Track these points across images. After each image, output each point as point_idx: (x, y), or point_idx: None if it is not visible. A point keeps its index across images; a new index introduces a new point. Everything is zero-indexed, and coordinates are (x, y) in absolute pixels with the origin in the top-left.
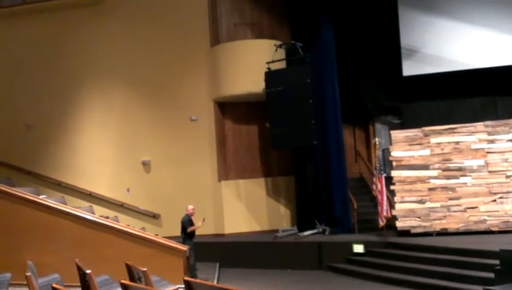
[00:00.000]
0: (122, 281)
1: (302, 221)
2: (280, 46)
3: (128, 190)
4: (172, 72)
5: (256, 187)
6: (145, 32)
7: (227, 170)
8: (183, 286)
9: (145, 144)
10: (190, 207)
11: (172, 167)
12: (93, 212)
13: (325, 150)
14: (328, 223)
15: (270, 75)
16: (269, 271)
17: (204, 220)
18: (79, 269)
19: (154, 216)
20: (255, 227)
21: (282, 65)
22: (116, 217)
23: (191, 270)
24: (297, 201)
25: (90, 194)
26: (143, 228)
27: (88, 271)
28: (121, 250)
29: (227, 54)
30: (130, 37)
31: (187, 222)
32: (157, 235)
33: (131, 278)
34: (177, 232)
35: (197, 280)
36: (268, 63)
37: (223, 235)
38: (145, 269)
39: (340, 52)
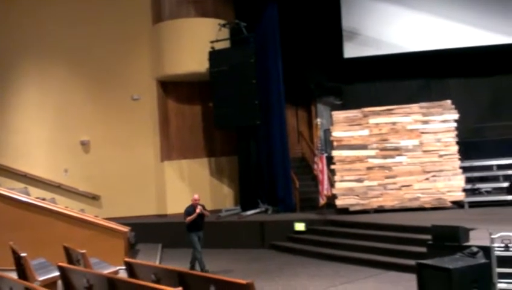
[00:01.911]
0: (60, 263)
1: (245, 201)
2: (224, 25)
3: (65, 171)
4: (113, 50)
5: (199, 167)
6: (85, 10)
7: (170, 150)
8: (124, 267)
9: (84, 124)
10: (195, 196)
11: (113, 147)
12: (28, 194)
13: (268, 130)
14: (271, 203)
15: (213, 55)
16: (213, 251)
17: (204, 208)
18: (14, 252)
19: (94, 197)
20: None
21: (226, 45)
22: (53, 198)
23: (192, 264)
24: (240, 181)
25: (25, 175)
26: (82, 210)
27: (23, 254)
28: (59, 233)
29: (169, 33)
30: (70, 14)
31: (186, 213)
32: (97, 217)
33: (70, 260)
34: (119, 213)
35: (138, 261)
36: (212, 42)
37: (165, 215)
38: (84, 251)
39: (284, 33)
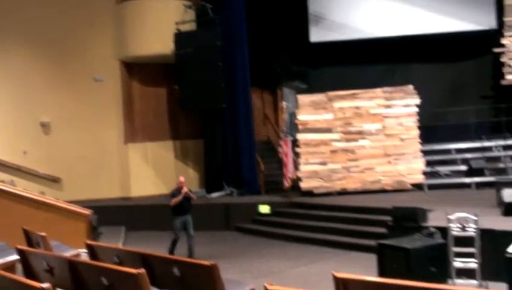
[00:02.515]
0: (19, 246)
1: (210, 183)
2: (190, 7)
3: (25, 153)
4: (75, 30)
5: (164, 150)
6: None
7: (134, 132)
8: (85, 250)
9: (45, 105)
10: (180, 178)
11: (75, 129)
12: None
13: (234, 113)
14: (236, 185)
15: (179, 37)
16: None
17: (190, 191)
18: None
19: (55, 180)
20: (163, 190)
21: (191, 27)
22: (12, 181)
23: (171, 249)
24: (205, 164)
25: None
26: (42, 193)
27: None
28: (19, 216)
29: (134, 13)
30: None
31: (171, 196)
32: (58, 199)
33: (30, 244)
34: (81, 196)
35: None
36: (177, 24)
37: (129, 198)
38: (44, 234)
39: (250, 16)
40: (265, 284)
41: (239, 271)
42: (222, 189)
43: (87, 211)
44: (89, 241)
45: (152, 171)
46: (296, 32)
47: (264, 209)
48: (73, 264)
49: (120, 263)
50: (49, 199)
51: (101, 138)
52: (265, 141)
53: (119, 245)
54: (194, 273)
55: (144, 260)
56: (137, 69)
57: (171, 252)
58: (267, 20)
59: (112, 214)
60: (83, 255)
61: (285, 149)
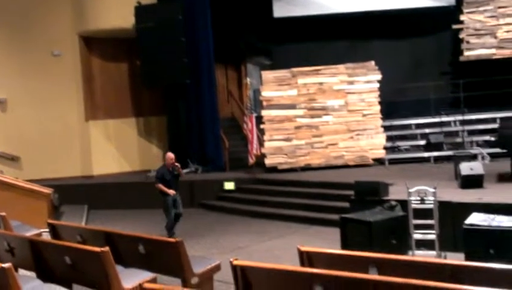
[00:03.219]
0: None
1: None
2: None
3: None
4: (31, 3)
5: (126, 127)
6: None
7: (95, 109)
8: (47, 229)
9: (0, 81)
10: (170, 154)
11: (33, 106)
12: None
13: (197, 89)
14: (201, 162)
15: (140, 10)
16: (141, 211)
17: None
18: None
19: (13, 159)
20: (126, 167)
21: (153, 0)
22: None
23: (168, 231)
24: (169, 141)
25: None
26: (0, 171)
27: None
28: None
29: None
30: None
31: (159, 177)
32: (17, 178)
33: None
34: (41, 175)
35: (62, 222)
36: None
37: (91, 176)
38: (3, 213)
39: None
40: (231, 260)
41: (205, 247)
42: (187, 166)
43: (48, 190)
44: (50, 221)
45: (114, 148)
46: (260, 7)
47: (229, 185)
48: (34, 244)
49: (83, 242)
50: (8, 178)
51: (60, 115)
52: (230, 118)
53: (82, 224)
54: (160, 251)
55: (108, 238)
56: (97, 44)
57: (171, 233)
58: None
59: (73, 193)
60: (45, 234)
61: (249, 126)
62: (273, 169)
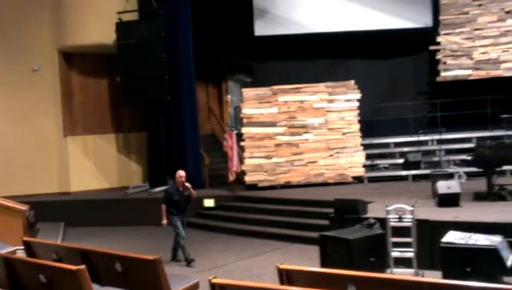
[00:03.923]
0: None
1: (154, 177)
2: None
3: None
4: (9, 16)
5: (105, 143)
6: None
7: (73, 125)
8: (22, 247)
9: None
10: (181, 173)
11: (10, 121)
12: None
13: (178, 106)
14: None
15: (121, 26)
16: (120, 228)
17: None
18: None
19: None
20: (104, 184)
21: (134, 16)
22: None
23: (174, 253)
24: (149, 157)
25: None
26: None
27: None
28: None
29: (73, 0)
30: None
31: (166, 197)
32: None
33: None
34: (17, 191)
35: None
36: (119, 13)
37: (68, 193)
38: None
39: (195, 8)
40: (209, 278)
41: (183, 265)
42: (166, 183)
43: (23, 207)
44: (25, 238)
45: (93, 165)
46: (241, 25)
47: (209, 203)
48: (9, 262)
49: (59, 260)
50: None
51: (38, 131)
52: (210, 135)
53: (58, 242)
54: (137, 269)
55: (84, 256)
56: (77, 59)
57: (175, 255)
58: (212, 12)
59: (50, 209)
60: (20, 252)
61: (229, 143)
62: (253, 186)
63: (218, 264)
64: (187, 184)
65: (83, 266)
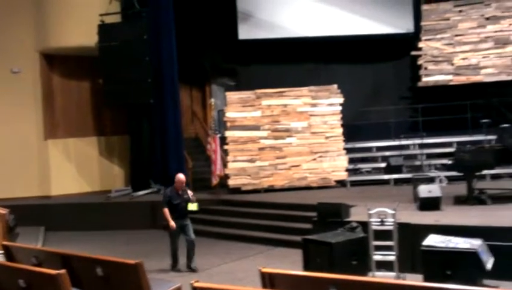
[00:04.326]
0: None
1: (136, 181)
2: None
3: None
4: None
5: (87, 146)
6: None
7: (54, 128)
8: (1, 251)
9: None
10: (180, 177)
11: None
12: None
13: (161, 110)
14: (163, 183)
15: (103, 29)
16: (102, 233)
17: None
18: None
19: None
20: (86, 188)
21: (117, 19)
22: None
23: (174, 260)
24: (131, 161)
25: None
26: None
27: None
28: None
29: (55, 2)
30: None
31: (165, 200)
32: None
33: None
34: None
35: (17, 244)
36: (101, 15)
37: (49, 197)
38: None
39: (179, 11)
40: (191, 282)
41: (165, 270)
42: (149, 186)
43: (3, 210)
44: (5, 242)
45: (74, 168)
46: (225, 29)
47: (192, 206)
48: None
49: (39, 265)
50: None
51: (18, 134)
52: (194, 138)
53: (39, 246)
54: (119, 273)
55: (65, 260)
56: (58, 62)
57: (174, 266)
58: (195, 16)
59: (30, 213)
60: None
61: (213, 146)
62: (237, 190)
63: (201, 268)
64: (189, 192)
65: (63, 271)
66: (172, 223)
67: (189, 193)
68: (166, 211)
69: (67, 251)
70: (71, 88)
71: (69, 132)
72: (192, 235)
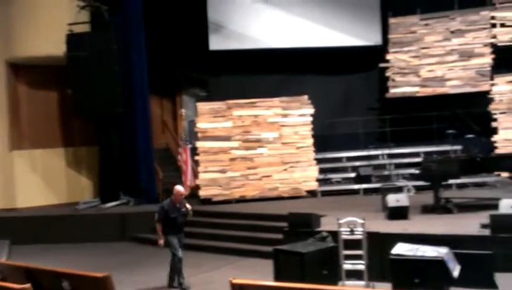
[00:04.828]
0: None
1: (105, 192)
2: (83, 7)
3: None
4: None
5: (54, 157)
6: None
7: (20, 139)
8: None
9: None
10: (179, 189)
11: None
12: None
13: (131, 120)
14: (133, 194)
15: (72, 38)
16: (69, 245)
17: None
18: None
19: None
20: (53, 200)
21: (86, 28)
22: None
23: (171, 278)
24: (100, 172)
25: None
26: None
27: None
28: None
29: (22, 10)
30: None
31: (162, 214)
32: None
33: None
34: None
35: None
36: (70, 24)
37: (15, 209)
38: None
39: (149, 21)
40: None
41: (136, 283)
42: (118, 198)
43: None
44: None
45: (41, 180)
46: (196, 39)
47: None
48: None
49: (3, 279)
50: None
51: None
52: (164, 149)
53: (3, 260)
54: (86, 287)
55: (30, 274)
56: (24, 71)
57: (172, 279)
58: (166, 26)
59: None
60: None
61: (184, 157)
62: (208, 201)
63: None
64: (188, 206)
65: (28, 285)
66: (161, 241)
67: (188, 206)
68: (159, 226)
69: (33, 264)
70: (38, 98)
71: (36, 142)
72: (181, 253)
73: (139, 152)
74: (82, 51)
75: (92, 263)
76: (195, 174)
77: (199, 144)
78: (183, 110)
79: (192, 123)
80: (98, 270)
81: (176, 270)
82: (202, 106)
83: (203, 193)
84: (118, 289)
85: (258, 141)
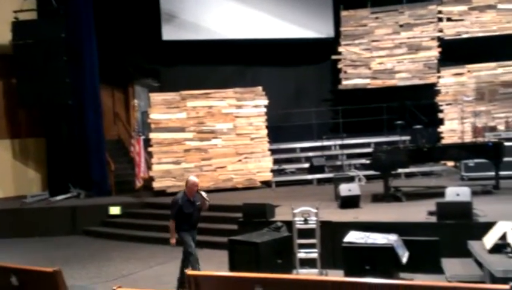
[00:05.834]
0: None
1: (54, 185)
2: None
3: None
4: None
5: (0, 150)
6: None
7: None
8: None
9: None
10: (194, 180)
11: None
12: None
13: (81, 111)
14: (84, 187)
15: (18, 26)
16: (17, 240)
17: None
18: None
19: None
20: None
21: (33, 16)
22: None
23: (181, 276)
24: (49, 164)
25: None
26: None
27: None
28: None
29: None
30: None
31: (176, 210)
32: None
33: None
34: None
35: None
36: (16, 12)
37: None
38: None
39: (100, 9)
40: (114, 288)
41: (87, 276)
42: (68, 191)
43: None
44: None
45: None
46: (148, 29)
47: (115, 210)
48: None
49: None
50: None
51: None
52: (116, 140)
53: None
54: (35, 282)
55: None
56: None
57: (183, 282)
58: (117, 16)
59: None
60: None
61: (137, 148)
62: (162, 192)
63: (124, 273)
64: (202, 193)
65: None
66: (173, 240)
67: (203, 194)
68: (172, 225)
69: None
70: None
71: None
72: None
73: (89, 144)
74: (28, 39)
75: (42, 257)
76: (149, 166)
77: (152, 135)
78: (135, 101)
79: (145, 114)
80: (48, 264)
81: (191, 267)
82: (155, 97)
83: (156, 184)
84: (70, 283)
85: (212, 132)
